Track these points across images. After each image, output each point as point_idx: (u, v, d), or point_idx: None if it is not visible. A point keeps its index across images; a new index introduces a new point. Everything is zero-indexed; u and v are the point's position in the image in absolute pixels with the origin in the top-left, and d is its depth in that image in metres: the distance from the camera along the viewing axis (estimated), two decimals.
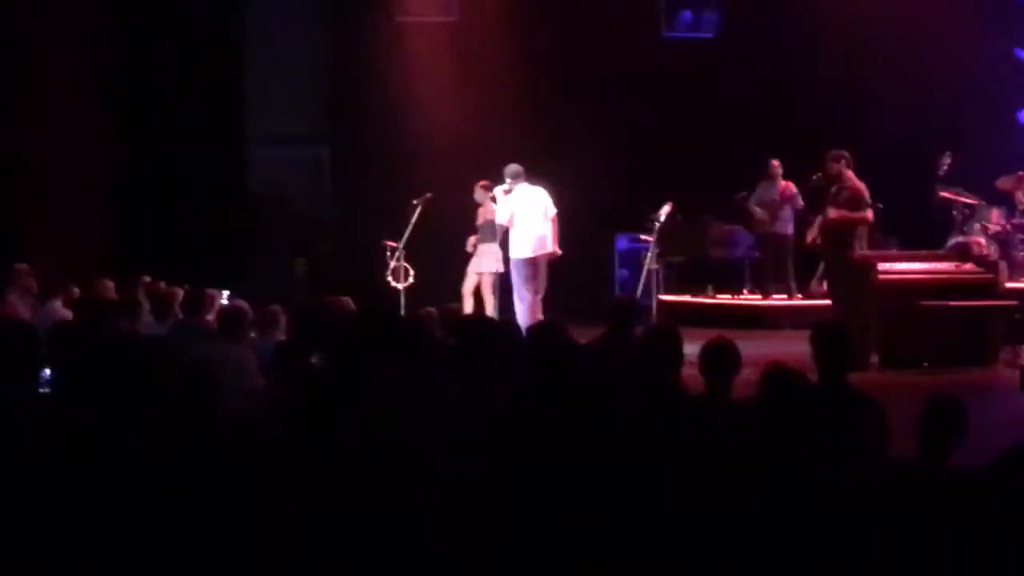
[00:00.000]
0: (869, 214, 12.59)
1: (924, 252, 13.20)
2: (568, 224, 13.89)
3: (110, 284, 11.48)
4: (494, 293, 13.92)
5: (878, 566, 4.44)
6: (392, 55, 17.44)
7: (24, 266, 11.81)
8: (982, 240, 13.99)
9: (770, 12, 17.49)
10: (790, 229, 16.10)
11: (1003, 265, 13.50)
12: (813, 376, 5.83)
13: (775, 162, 16.18)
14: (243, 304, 9.18)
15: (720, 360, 5.84)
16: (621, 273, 17.22)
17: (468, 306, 13.77)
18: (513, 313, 13.15)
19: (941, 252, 13.30)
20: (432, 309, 9.10)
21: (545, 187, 13.70)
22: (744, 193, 16.47)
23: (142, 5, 16.83)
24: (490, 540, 5.01)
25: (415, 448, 5.34)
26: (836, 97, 17.24)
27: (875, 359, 11.83)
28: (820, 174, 12.71)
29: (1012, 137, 16.92)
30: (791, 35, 17.23)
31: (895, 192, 14.52)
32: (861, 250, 12.89)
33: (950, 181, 15.33)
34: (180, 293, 10.20)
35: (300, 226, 18.50)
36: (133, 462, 4.83)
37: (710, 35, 18.19)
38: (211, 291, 10.38)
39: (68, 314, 10.20)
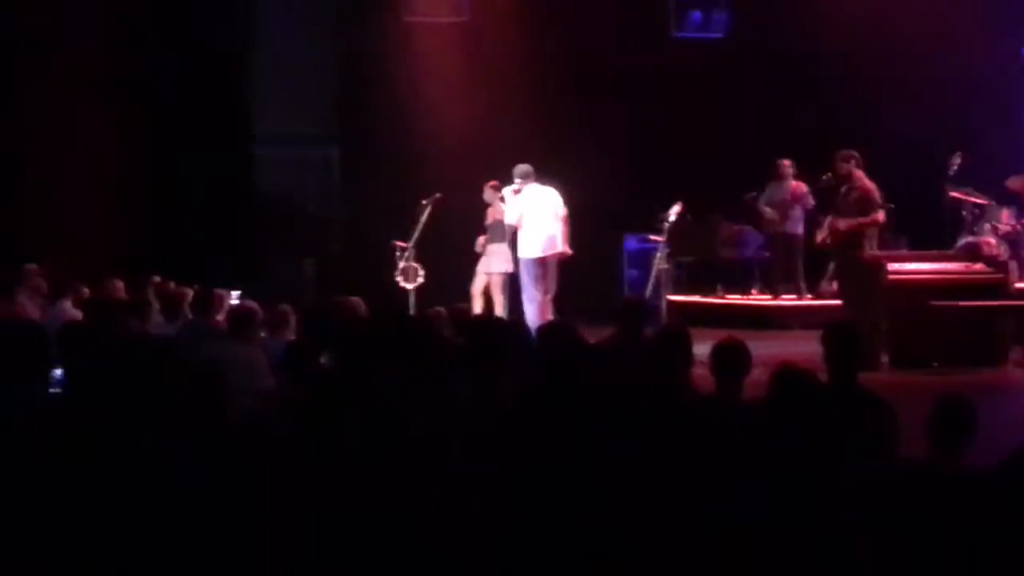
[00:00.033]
0: (880, 216, 12.57)
1: (934, 252, 13.18)
2: (577, 224, 13.89)
3: (120, 284, 11.49)
4: (504, 293, 13.92)
5: (888, 566, 4.44)
6: (401, 55, 17.44)
7: (34, 266, 11.83)
8: (992, 240, 13.95)
9: (780, 12, 17.46)
10: (800, 229, 16.08)
11: (1013, 265, 13.49)
12: (823, 376, 5.83)
13: (785, 162, 16.16)
14: (253, 304, 9.19)
15: (731, 360, 5.83)
16: (630, 273, 17.21)
17: (477, 306, 13.77)
18: (522, 313, 13.15)
19: (951, 252, 13.28)
20: (441, 309, 9.11)
21: (554, 187, 13.69)
22: (753, 193, 16.45)
23: (150, 6, 16.84)
24: (500, 541, 5.01)
25: (425, 449, 5.34)
26: (846, 97, 17.21)
27: (885, 359, 11.82)
28: (830, 174, 12.70)
29: (1021, 137, 16.88)
30: (801, 35, 17.19)
31: (905, 192, 14.49)
32: (871, 250, 12.87)
33: (960, 181, 15.29)
34: (189, 293, 10.21)
35: (309, 226, 18.50)
36: (143, 462, 4.83)
37: (720, 35, 18.17)
38: (220, 291, 10.38)
39: (77, 314, 10.21)
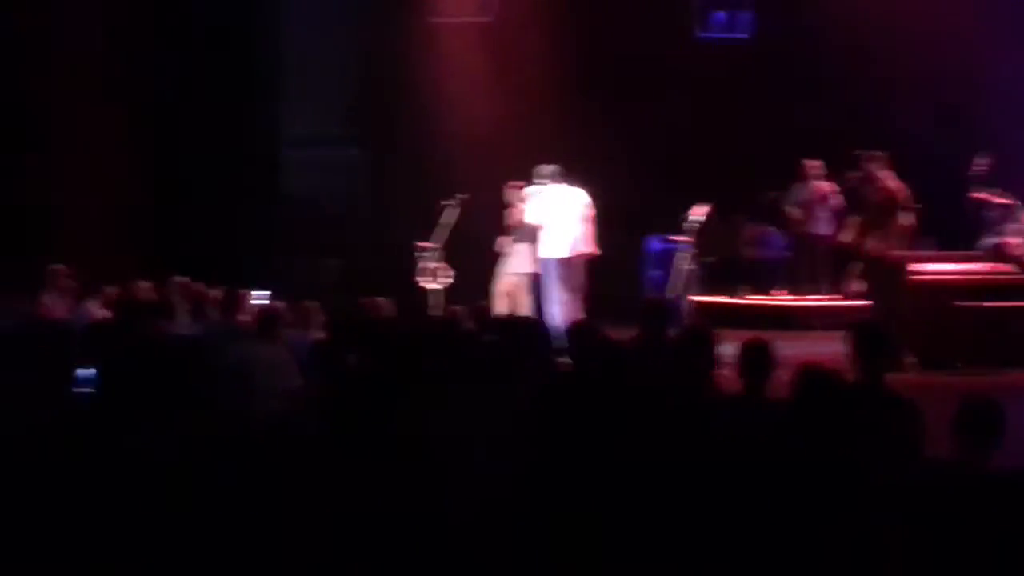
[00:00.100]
0: (908, 219, 12.53)
1: (959, 253, 13.15)
2: (600, 224, 13.88)
3: (146, 285, 11.54)
4: (527, 293, 13.92)
5: (915, 567, 4.43)
6: (426, 56, 17.47)
7: (62, 267, 11.88)
8: (1017, 240, 13.90)
9: (805, 13, 17.42)
10: (825, 229, 16.05)
11: None
12: (848, 377, 5.83)
13: (809, 163, 16.13)
14: (277, 304, 9.23)
15: (757, 360, 5.84)
16: (654, 274, 17.19)
17: (500, 307, 13.77)
18: (546, 314, 13.15)
19: (976, 253, 13.25)
20: (459, 307, 9.13)
21: (578, 187, 13.70)
22: (775, 194, 16.43)
23: (178, 7, 16.90)
24: (523, 540, 5.02)
25: (449, 448, 5.36)
26: (871, 98, 17.15)
27: (910, 360, 11.79)
28: (856, 175, 12.68)
29: None
30: (826, 36, 17.15)
31: (933, 193, 14.45)
32: (898, 251, 12.85)
33: (986, 182, 15.24)
34: (215, 294, 10.25)
35: (334, 227, 18.52)
36: (168, 461, 4.86)
37: (744, 36, 18.13)
38: (244, 291, 10.42)
39: (104, 315, 10.26)
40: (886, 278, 12.17)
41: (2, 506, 4.71)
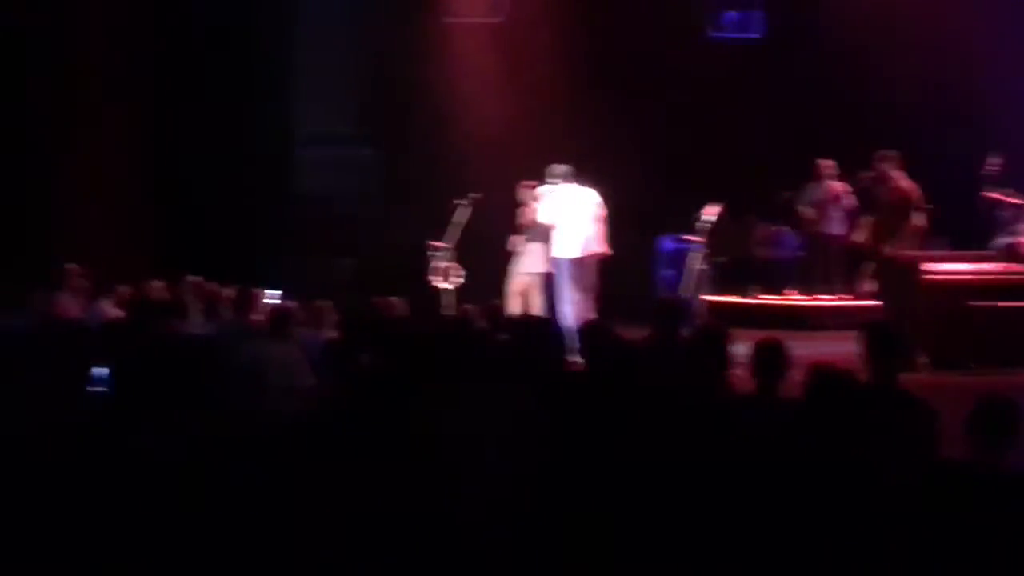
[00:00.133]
0: (920, 219, 12.51)
1: (972, 253, 13.12)
2: (612, 224, 13.88)
3: (159, 284, 11.56)
4: (541, 293, 13.92)
5: (929, 567, 4.43)
6: (438, 56, 17.49)
7: (75, 266, 11.90)
8: None
9: (817, 12, 17.41)
10: (838, 229, 16.03)
11: None
12: (861, 377, 5.82)
13: (824, 162, 16.12)
14: (290, 303, 9.24)
15: (770, 360, 5.84)
16: (666, 273, 17.19)
17: (513, 306, 13.77)
18: (558, 313, 13.15)
19: (989, 253, 13.22)
20: (472, 307, 9.13)
21: (589, 187, 13.70)
22: (788, 194, 16.42)
23: (189, 6, 16.92)
24: (536, 539, 5.02)
25: (461, 447, 5.36)
26: (884, 97, 17.13)
27: (923, 360, 11.78)
28: (869, 174, 12.65)
29: None
30: (838, 35, 17.14)
31: (945, 193, 14.43)
32: (910, 251, 12.83)
33: (999, 182, 15.21)
34: (228, 293, 10.26)
35: (346, 226, 18.54)
36: (182, 460, 4.87)
37: (756, 35, 18.13)
38: (257, 291, 10.43)
39: (117, 314, 10.28)
40: (899, 278, 12.16)
41: (17, 504, 4.72)
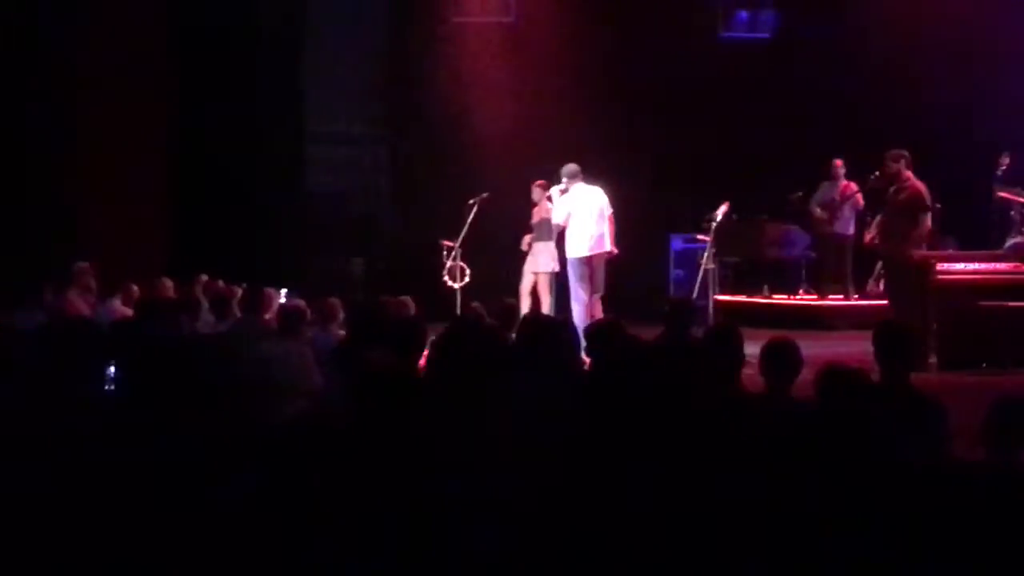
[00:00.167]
0: (928, 220, 12.49)
1: (982, 252, 13.10)
2: (623, 224, 13.87)
3: (169, 283, 11.57)
4: (551, 292, 13.93)
5: (942, 566, 4.42)
6: (450, 55, 17.50)
7: (85, 264, 11.92)
8: None
9: (827, 12, 17.41)
10: (849, 229, 16.03)
11: None
12: (874, 376, 5.81)
13: (838, 162, 16.12)
14: (300, 303, 9.23)
15: (783, 359, 5.82)
16: (677, 273, 17.19)
17: (525, 305, 13.78)
18: (570, 312, 13.15)
19: (1000, 252, 13.19)
20: (484, 305, 9.12)
21: (600, 186, 13.70)
22: (799, 193, 16.41)
23: (202, 5, 16.94)
24: (547, 538, 5.01)
25: (472, 447, 5.36)
26: (893, 96, 17.13)
27: (933, 360, 11.76)
28: (879, 174, 12.64)
29: None
30: (848, 35, 17.14)
31: (953, 192, 14.42)
32: (920, 250, 12.81)
33: (1009, 181, 15.20)
34: (239, 292, 10.26)
35: (357, 226, 18.57)
36: (193, 460, 4.87)
37: (767, 35, 18.12)
38: (269, 290, 10.43)
39: (127, 312, 10.29)
40: (910, 278, 12.14)
41: (27, 504, 4.73)
